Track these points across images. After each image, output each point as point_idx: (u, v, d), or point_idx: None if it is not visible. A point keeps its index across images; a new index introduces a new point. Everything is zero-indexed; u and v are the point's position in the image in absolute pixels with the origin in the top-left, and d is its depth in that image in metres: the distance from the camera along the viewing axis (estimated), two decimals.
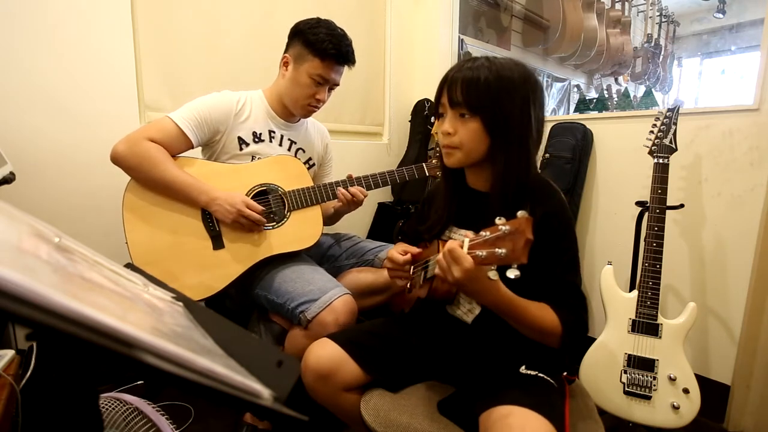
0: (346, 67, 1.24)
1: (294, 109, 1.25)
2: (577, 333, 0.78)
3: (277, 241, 1.18)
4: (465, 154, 0.83)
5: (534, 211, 0.77)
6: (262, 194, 1.21)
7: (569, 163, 1.67)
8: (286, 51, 1.24)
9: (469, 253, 0.66)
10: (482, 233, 0.65)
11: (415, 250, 0.90)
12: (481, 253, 0.64)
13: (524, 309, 0.74)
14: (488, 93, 0.78)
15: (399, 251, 0.90)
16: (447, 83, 0.81)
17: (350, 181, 1.26)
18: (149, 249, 1.11)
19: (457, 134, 0.82)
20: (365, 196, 1.27)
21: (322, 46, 1.16)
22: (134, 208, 1.12)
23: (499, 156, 0.81)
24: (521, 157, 0.82)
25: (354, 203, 1.26)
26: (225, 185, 1.16)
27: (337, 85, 1.25)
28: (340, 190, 1.23)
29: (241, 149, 1.22)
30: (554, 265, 0.79)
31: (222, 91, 1.23)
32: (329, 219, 1.39)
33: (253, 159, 1.23)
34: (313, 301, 1.07)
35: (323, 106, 1.27)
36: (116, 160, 1.10)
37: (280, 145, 1.29)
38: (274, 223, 1.20)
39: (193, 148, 1.18)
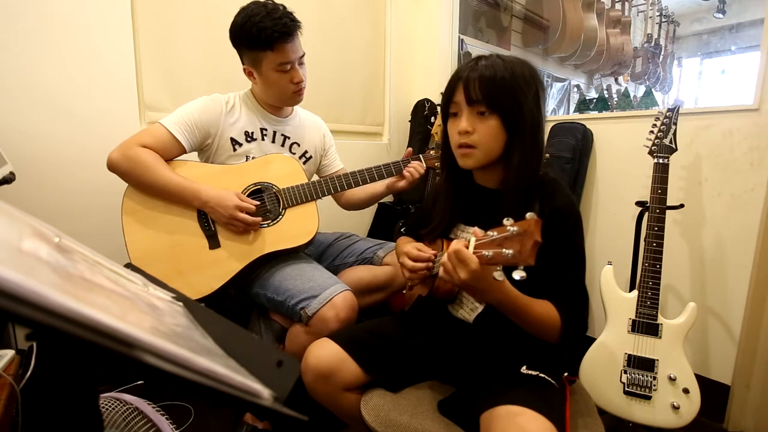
0: (299, 36, 1.18)
1: (284, 103, 1.26)
2: (576, 331, 0.78)
3: (273, 239, 1.18)
4: (484, 153, 0.82)
5: (543, 208, 0.79)
6: (257, 193, 1.21)
7: (569, 163, 1.67)
8: (242, 63, 1.22)
9: (474, 252, 0.65)
10: (489, 233, 0.65)
11: (430, 250, 0.89)
12: (488, 253, 0.63)
13: (527, 306, 0.75)
14: (506, 90, 0.78)
15: (416, 247, 0.89)
16: (462, 81, 0.81)
17: (405, 160, 1.30)
18: (147, 251, 1.12)
19: (476, 132, 0.81)
20: (423, 171, 1.30)
21: (263, 37, 1.11)
22: (132, 212, 1.13)
23: (516, 153, 0.81)
24: (534, 153, 0.82)
25: (416, 180, 1.29)
26: (219, 185, 1.16)
27: (303, 55, 1.21)
28: (408, 168, 1.28)
29: (234, 150, 1.22)
30: (561, 261, 0.79)
31: (212, 94, 1.23)
32: (368, 202, 1.43)
33: (247, 159, 1.23)
34: (314, 297, 1.07)
35: (306, 84, 1.25)
36: (111, 166, 1.11)
37: (273, 141, 1.29)
38: (270, 221, 1.20)
39: (186, 152, 1.18)
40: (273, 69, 1.17)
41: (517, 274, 0.60)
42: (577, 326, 0.78)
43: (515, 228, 0.61)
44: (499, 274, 0.64)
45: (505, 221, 0.62)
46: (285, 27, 1.12)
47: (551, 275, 0.78)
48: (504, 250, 0.61)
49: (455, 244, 0.67)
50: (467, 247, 0.66)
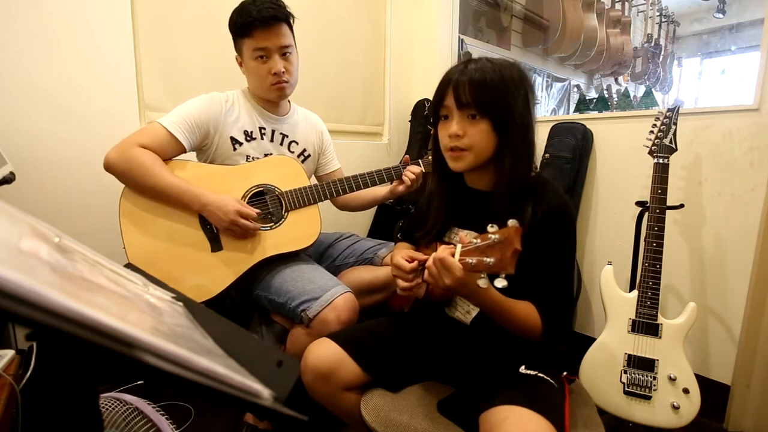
0: (285, 27, 1.16)
1: (266, 95, 1.23)
2: (556, 331, 0.81)
3: (275, 242, 1.18)
4: (475, 155, 0.83)
5: (536, 209, 0.79)
6: (259, 195, 1.21)
7: (569, 163, 1.67)
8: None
9: (460, 260, 0.66)
10: (474, 240, 0.66)
11: (422, 256, 0.85)
12: (472, 260, 0.64)
13: (510, 309, 0.77)
14: (496, 93, 0.79)
15: (405, 257, 0.85)
16: (452, 85, 0.81)
17: (405, 164, 1.31)
18: (147, 254, 1.10)
19: (467, 135, 0.81)
20: (419, 173, 1.30)
21: (244, 23, 1.13)
22: (130, 214, 1.11)
23: (507, 155, 0.82)
24: (524, 155, 0.83)
25: (415, 183, 1.29)
26: (221, 187, 1.15)
27: (286, 47, 1.17)
28: (406, 172, 1.28)
29: (234, 149, 1.21)
30: (551, 261, 0.80)
31: (210, 93, 1.22)
32: (369, 205, 1.45)
33: (247, 158, 1.23)
34: (315, 299, 1.07)
35: (293, 79, 1.23)
36: (108, 167, 1.09)
37: (272, 140, 1.28)
38: (272, 224, 1.19)
39: (185, 152, 1.17)
40: (251, 57, 1.17)
41: (499, 283, 0.61)
42: (557, 327, 0.80)
43: (497, 236, 0.62)
44: (483, 282, 0.64)
45: (489, 228, 0.63)
46: (264, 13, 1.12)
47: (540, 274, 0.79)
48: (485, 258, 0.62)
49: (441, 252, 0.68)
50: (453, 254, 0.67)
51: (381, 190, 1.38)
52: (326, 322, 1.04)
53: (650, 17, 3.36)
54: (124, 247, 1.10)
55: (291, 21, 1.20)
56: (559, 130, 1.74)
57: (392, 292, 1.30)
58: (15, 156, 1.13)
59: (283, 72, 1.18)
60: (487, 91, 0.79)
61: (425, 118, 2.17)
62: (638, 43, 3.40)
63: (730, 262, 1.40)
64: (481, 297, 0.73)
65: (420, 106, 2.22)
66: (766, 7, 1.32)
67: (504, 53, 2.64)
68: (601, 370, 1.20)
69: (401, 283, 0.85)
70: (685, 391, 1.12)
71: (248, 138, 1.24)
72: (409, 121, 2.27)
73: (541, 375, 0.80)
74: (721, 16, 3.18)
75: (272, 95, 1.23)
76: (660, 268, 1.17)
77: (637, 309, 1.18)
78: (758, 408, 1.31)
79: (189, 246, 1.13)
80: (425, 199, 1.04)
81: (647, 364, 1.16)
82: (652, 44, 3.33)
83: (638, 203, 1.31)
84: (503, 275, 0.61)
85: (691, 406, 1.11)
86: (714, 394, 1.35)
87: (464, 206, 0.92)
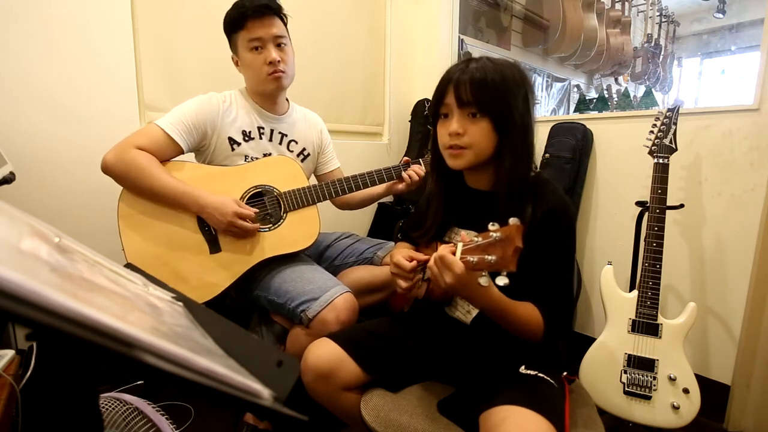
0: (277, 19, 1.18)
1: (264, 88, 1.22)
2: (557, 331, 0.81)
3: (274, 243, 1.18)
4: (475, 154, 0.83)
5: (536, 209, 0.79)
6: (258, 196, 1.20)
7: (569, 163, 1.67)
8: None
9: (461, 258, 0.66)
10: (475, 238, 0.66)
11: (422, 256, 0.84)
12: (473, 258, 0.64)
13: (511, 310, 0.76)
14: (496, 92, 0.79)
15: (405, 257, 0.85)
16: (453, 83, 0.81)
17: (405, 165, 1.30)
18: (146, 256, 1.10)
19: (468, 134, 0.82)
20: (423, 173, 1.29)
21: (237, 16, 1.15)
22: (128, 216, 1.11)
23: (507, 154, 0.82)
24: (524, 155, 0.83)
25: (416, 183, 1.29)
26: (219, 188, 1.15)
27: (281, 37, 1.18)
28: (405, 173, 1.28)
29: (233, 149, 1.21)
30: (551, 261, 0.80)
31: (208, 93, 1.21)
32: (366, 202, 1.44)
33: (246, 159, 1.23)
34: (314, 299, 1.07)
35: (290, 70, 1.22)
36: (105, 169, 1.09)
37: (270, 140, 1.28)
38: (271, 225, 1.19)
39: (183, 153, 1.17)
40: (246, 49, 1.17)
41: (501, 281, 0.61)
42: (558, 327, 0.80)
43: (498, 234, 0.62)
44: (484, 280, 0.64)
45: (489, 226, 0.64)
46: (255, 7, 1.13)
47: (540, 274, 0.79)
48: (487, 256, 0.62)
49: (441, 250, 0.68)
50: (454, 253, 0.67)
51: (378, 188, 1.36)
52: (326, 322, 1.04)
53: (650, 17, 3.36)
54: (122, 249, 1.10)
55: (284, 18, 1.21)
56: (559, 130, 1.74)
57: (392, 292, 1.30)
58: (15, 156, 1.13)
59: (279, 61, 1.18)
60: (488, 90, 0.79)
61: (425, 118, 2.17)
62: (638, 43, 3.40)
63: (730, 262, 1.40)
64: (482, 297, 0.73)
65: (420, 106, 2.22)
66: (766, 7, 1.32)
67: (504, 53, 2.64)
68: (601, 370, 1.20)
69: (401, 282, 0.85)
70: (685, 391, 1.12)
71: (246, 138, 1.23)
72: (409, 121, 2.27)
73: (541, 375, 0.80)
74: (721, 16, 3.18)
75: (270, 87, 1.22)
76: (660, 268, 1.17)
77: (637, 309, 1.18)
78: (758, 408, 1.31)
79: (187, 248, 1.13)
80: (425, 199, 1.04)
81: (647, 364, 1.16)
82: (652, 44, 3.33)
83: (638, 203, 1.31)
84: (505, 273, 0.61)
85: (691, 406, 1.11)
86: (714, 394, 1.35)
87: (464, 206, 0.92)
